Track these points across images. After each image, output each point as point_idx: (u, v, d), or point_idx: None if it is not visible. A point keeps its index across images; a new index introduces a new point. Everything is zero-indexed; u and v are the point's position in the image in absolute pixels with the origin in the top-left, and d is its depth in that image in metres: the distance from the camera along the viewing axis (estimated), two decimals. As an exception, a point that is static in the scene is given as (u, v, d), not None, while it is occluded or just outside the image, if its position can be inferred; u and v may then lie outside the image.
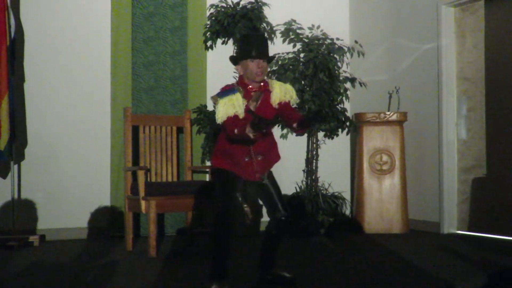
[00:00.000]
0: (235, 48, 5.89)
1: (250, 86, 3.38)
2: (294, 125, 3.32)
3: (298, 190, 5.83)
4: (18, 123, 5.37)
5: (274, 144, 3.56)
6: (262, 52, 3.34)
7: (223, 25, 5.69)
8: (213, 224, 3.35)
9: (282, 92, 3.43)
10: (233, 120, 3.29)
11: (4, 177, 5.35)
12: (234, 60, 3.42)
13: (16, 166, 5.38)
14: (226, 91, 3.37)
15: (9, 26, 5.15)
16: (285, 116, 3.41)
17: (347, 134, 5.99)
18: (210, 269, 3.34)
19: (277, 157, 3.58)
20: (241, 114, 3.31)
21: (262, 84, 3.40)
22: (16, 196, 5.34)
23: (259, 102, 3.40)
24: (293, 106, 3.47)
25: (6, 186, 5.30)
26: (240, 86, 3.39)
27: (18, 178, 5.42)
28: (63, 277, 3.90)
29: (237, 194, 3.42)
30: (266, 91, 3.42)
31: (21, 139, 5.44)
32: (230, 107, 3.30)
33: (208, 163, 5.78)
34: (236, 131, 3.24)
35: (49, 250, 4.99)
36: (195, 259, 4.46)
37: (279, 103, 3.41)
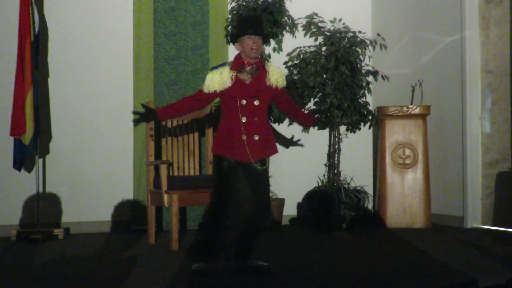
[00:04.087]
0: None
1: (246, 61, 3.66)
2: (306, 124, 3.91)
3: (320, 184, 5.82)
4: (42, 117, 5.43)
5: (270, 133, 3.77)
6: (257, 30, 3.62)
7: (245, 19, 5.67)
8: (226, 212, 3.54)
9: (278, 76, 3.71)
10: (196, 97, 3.73)
11: (29, 171, 5.43)
12: (233, 38, 3.70)
13: (41, 160, 5.45)
14: (217, 65, 3.75)
15: (33, 22, 5.22)
16: (281, 101, 3.81)
17: (369, 128, 5.94)
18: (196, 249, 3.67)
19: (274, 149, 3.78)
20: (227, 83, 3.60)
21: (258, 60, 3.67)
22: (41, 189, 5.41)
23: (254, 77, 3.66)
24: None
25: (31, 180, 5.37)
26: (235, 62, 3.67)
27: (42, 172, 5.49)
28: (86, 270, 3.95)
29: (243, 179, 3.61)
30: (261, 68, 3.69)
31: (45, 133, 5.50)
32: (217, 82, 3.61)
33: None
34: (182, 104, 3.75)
35: (73, 243, 5.06)
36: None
37: (276, 87, 3.70)
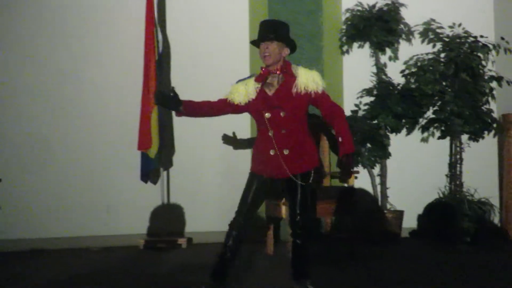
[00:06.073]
0: (372, 51, 5.83)
1: (264, 68, 3.42)
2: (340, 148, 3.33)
3: (441, 195, 5.62)
4: (166, 132, 5.73)
5: (305, 144, 3.45)
6: (266, 35, 3.38)
7: (359, 29, 5.64)
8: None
9: (306, 79, 3.36)
10: (225, 100, 3.53)
11: (155, 182, 5.73)
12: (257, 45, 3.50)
13: (165, 173, 5.75)
14: (244, 78, 3.56)
15: (157, 42, 5.54)
16: (319, 108, 3.41)
17: (494, 136, 5.66)
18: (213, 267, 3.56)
19: (312, 162, 3.46)
20: (251, 95, 3.42)
21: (280, 67, 3.39)
22: (165, 200, 5.70)
23: (278, 87, 3.39)
24: (323, 92, 3.38)
25: (156, 191, 5.67)
26: (259, 73, 3.44)
27: (167, 183, 5.78)
28: (206, 279, 4.09)
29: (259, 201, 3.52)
30: (287, 75, 3.39)
31: (169, 147, 5.80)
32: (240, 92, 3.45)
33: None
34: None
35: (195, 252, 5.26)
36: (332, 264, 4.46)
37: (308, 93, 3.35)
